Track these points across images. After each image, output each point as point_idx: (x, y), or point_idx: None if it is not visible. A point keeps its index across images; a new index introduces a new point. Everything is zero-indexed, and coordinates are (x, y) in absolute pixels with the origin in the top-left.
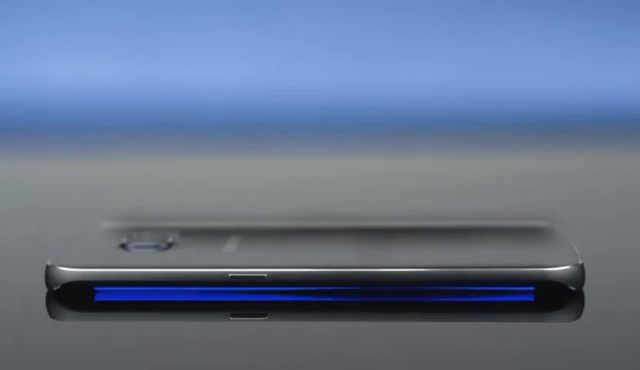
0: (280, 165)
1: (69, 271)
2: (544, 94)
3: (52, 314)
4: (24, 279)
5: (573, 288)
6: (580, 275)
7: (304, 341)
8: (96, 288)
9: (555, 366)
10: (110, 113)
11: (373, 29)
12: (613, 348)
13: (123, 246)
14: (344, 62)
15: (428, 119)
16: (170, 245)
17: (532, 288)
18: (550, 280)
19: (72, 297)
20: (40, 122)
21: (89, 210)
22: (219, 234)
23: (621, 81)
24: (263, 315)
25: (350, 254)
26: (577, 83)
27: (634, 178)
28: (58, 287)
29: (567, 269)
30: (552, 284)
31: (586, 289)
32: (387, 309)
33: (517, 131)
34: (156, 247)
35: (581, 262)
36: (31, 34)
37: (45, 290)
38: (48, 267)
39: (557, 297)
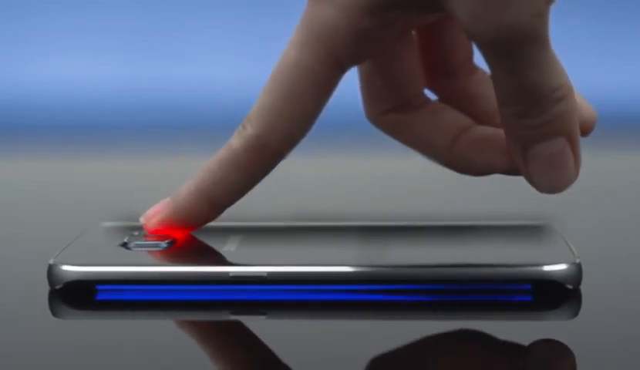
0: (279, 164)
1: (71, 270)
2: None
3: (54, 313)
4: (26, 278)
5: (570, 287)
6: (577, 274)
7: (303, 340)
8: (97, 287)
9: (552, 365)
10: (110, 113)
11: None
12: (610, 347)
13: (125, 245)
14: None
15: None
16: (170, 244)
17: (529, 287)
18: (548, 279)
19: (74, 296)
20: (40, 122)
21: (90, 209)
22: (219, 233)
23: (621, 81)
24: (263, 314)
25: (349, 253)
26: (577, 83)
27: (634, 178)
28: (61, 285)
29: (564, 268)
30: (549, 282)
31: (583, 288)
32: (387, 308)
33: None
34: (157, 245)
35: (578, 261)
36: (31, 34)
37: (48, 289)
38: (50, 266)
39: (554, 295)
